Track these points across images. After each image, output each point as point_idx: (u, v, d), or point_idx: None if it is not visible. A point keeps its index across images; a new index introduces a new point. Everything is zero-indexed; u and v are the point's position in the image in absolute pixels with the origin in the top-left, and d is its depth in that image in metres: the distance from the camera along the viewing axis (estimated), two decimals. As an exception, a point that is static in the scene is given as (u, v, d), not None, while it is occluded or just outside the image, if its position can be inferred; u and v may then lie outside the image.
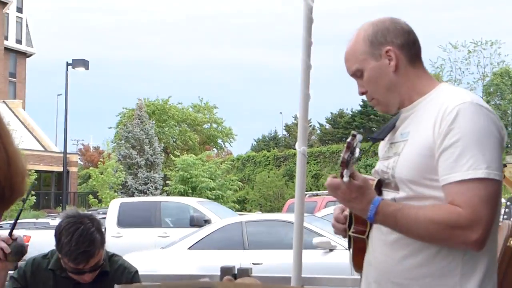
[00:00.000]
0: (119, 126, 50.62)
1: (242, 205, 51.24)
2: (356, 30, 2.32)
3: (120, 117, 54.23)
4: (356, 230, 2.27)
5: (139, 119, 44.26)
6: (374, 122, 58.24)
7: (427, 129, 2.11)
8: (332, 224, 2.41)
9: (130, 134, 43.64)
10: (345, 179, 2.01)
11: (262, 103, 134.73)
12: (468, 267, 2.09)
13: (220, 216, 14.05)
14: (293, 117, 67.29)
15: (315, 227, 9.77)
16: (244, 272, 3.30)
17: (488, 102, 51.96)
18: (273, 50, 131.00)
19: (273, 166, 55.99)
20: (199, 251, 9.92)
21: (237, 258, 9.64)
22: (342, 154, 1.99)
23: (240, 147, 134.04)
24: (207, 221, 13.59)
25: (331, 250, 9.36)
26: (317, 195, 19.55)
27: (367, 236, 2.26)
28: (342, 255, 9.28)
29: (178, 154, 43.55)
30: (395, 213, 2.07)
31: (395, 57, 2.23)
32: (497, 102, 51.85)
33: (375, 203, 2.07)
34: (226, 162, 46.67)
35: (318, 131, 65.21)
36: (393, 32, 2.25)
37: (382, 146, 2.37)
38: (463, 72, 54.46)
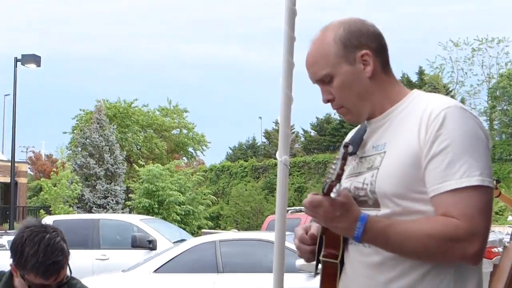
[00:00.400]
0: (75, 131, 50.37)
1: (215, 222, 51.22)
2: (321, 30, 2.36)
3: (77, 121, 54.03)
4: (327, 254, 2.28)
5: (98, 124, 44.10)
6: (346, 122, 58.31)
7: (410, 137, 2.16)
8: (296, 246, 2.44)
9: (87, 140, 43.49)
10: (333, 195, 2.02)
11: (239, 107, 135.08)
12: (459, 285, 2.13)
13: (167, 237, 14.18)
14: (273, 122, 67.50)
15: (298, 248, 9.77)
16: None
17: (494, 107, 52.49)
18: (252, 46, 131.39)
19: (251, 177, 56.06)
20: (166, 275, 9.88)
21: (210, 283, 9.63)
22: (334, 167, 2.01)
23: (213, 156, 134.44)
24: (151, 242, 13.72)
25: (316, 274, 9.34)
26: (300, 211, 19.61)
27: (340, 261, 2.28)
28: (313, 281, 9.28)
29: (142, 163, 43.34)
30: (385, 230, 2.08)
31: (372, 62, 2.28)
32: (504, 107, 52.19)
33: (362, 220, 2.07)
34: (197, 173, 46.55)
35: (302, 139, 65.41)
36: (366, 35, 2.30)
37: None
38: (466, 73, 54.71)
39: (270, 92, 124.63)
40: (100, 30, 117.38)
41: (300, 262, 9.32)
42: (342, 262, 2.30)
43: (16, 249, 3.06)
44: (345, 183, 2.32)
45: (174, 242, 13.49)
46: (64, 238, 3.11)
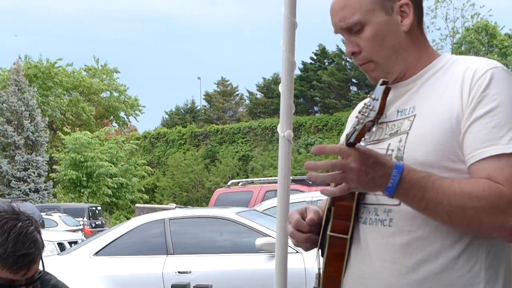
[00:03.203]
0: (-10, 94, 49.57)
1: (151, 195, 51.15)
2: None
3: (-9, 82, 53.20)
4: (336, 227, 2.19)
5: (16, 86, 43.56)
6: (317, 91, 58.85)
7: (449, 97, 2.12)
8: (290, 234, 2.33)
9: (4, 105, 42.93)
10: (363, 143, 1.96)
11: (175, 67, 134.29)
12: (491, 272, 2.12)
13: None
14: (215, 83, 67.46)
15: (258, 225, 9.77)
16: (202, 291, 3.21)
17: (458, 64, 53.29)
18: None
19: (190, 145, 56.05)
20: (108, 258, 9.77)
21: (159, 266, 9.57)
22: (370, 107, 1.95)
23: (147, 122, 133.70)
24: None
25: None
26: (252, 182, 19.58)
27: (350, 238, 2.21)
28: (292, 260, 9.32)
29: (68, 131, 43.08)
30: (425, 181, 2.03)
31: (411, 14, 2.22)
32: (470, 64, 53.03)
33: (398, 168, 2.02)
34: (130, 142, 46.41)
35: (247, 102, 65.50)
36: None
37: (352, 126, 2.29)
38: (428, 27, 55.66)
39: (208, 50, 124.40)
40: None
41: (261, 241, 9.33)
42: (350, 242, 2.21)
43: None
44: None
45: None
46: (38, 229, 3.00)
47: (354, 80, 56.13)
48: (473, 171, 2.07)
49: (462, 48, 53.30)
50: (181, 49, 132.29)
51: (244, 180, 21.03)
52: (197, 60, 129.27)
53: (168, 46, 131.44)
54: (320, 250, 2.28)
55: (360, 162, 1.98)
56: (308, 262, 9.20)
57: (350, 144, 1.98)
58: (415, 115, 2.17)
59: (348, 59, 56.60)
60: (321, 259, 2.27)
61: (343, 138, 2.34)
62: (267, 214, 11.14)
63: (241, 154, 54.10)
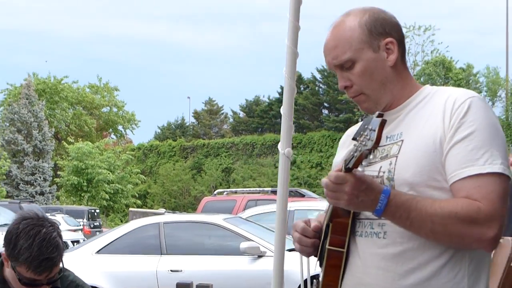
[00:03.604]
0: (3, 106, 49.35)
1: (143, 200, 50.89)
2: (343, 15, 2.29)
3: (5, 96, 52.85)
4: (333, 241, 2.20)
5: (27, 99, 43.28)
6: (294, 112, 58.78)
7: (432, 124, 2.14)
8: (296, 240, 2.34)
9: (16, 116, 42.61)
10: (361, 168, 1.96)
11: (168, 87, 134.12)
12: (473, 278, 2.14)
13: None
14: (203, 103, 67.44)
15: (242, 230, 9.75)
16: (204, 290, 3.17)
17: (418, 93, 53.53)
18: (179, 26, 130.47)
19: (179, 157, 55.84)
20: (108, 256, 9.73)
21: (153, 265, 9.54)
22: (368, 137, 1.92)
23: (142, 135, 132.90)
24: None
25: (260, 256, 9.35)
26: (235, 192, 19.52)
27: (346, 251, 2.21)
28: (272, 262, 9.29)
29: (71, 141, 42.82)
30: (409, 203, 2.05)
31: (396, 51, 2.25)
32: (428, 93, 53.31)
33: (385, 192, 2.04)
34: (127, 152, 46.16)
35: (231, 120, 65.38)
36: (390, 24, 2.27)
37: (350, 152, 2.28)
38: (392, 60, 55.81)
39: (198, 72, 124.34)
40: (25, 3, 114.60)
41: (245, 245, 9.31)
42: (347, 254, 2.22)
43: (10, 240, 2.94)
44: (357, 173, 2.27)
45: None
46: (60, 234, 3.01)
47: (325, 104, 56.13)
48: (454, 189, 2.09)
49: (422, 79, 53.57)
50: (173, 71, 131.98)
51: (228, 190, 21.00)
52: (187, 81, 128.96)
53: (162, 68, 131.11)
54: (318, 261, 2.29)
55: (353, 187, 2.01)
56: (287, 265, 9.17)
57: (348, 169, 1.98)
58: (402, 140, 2.18)
59: (321, 85, 56.75)
60: (319, 268, 2.29)
61: (337, 160, 2.37)
62: (250, 221, 11.15)
63: (224, 166, 53.95)
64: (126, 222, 35.46)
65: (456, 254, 2.12)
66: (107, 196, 41.34)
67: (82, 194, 40.57)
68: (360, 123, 2.38)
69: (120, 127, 58.69)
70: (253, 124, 60.50)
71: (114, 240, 9.90)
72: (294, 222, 2.39)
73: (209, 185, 51.08)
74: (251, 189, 21.75)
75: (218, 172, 52.64)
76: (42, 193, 42.09)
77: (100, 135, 54.18)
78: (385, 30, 2.24)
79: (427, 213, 2.03)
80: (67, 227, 26.02)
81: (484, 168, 2.06)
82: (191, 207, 49.95)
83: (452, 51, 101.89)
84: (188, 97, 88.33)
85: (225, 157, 54.65)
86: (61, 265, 3.01)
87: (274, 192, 18.15)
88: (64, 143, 43.15)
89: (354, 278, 2.21)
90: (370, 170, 2.16)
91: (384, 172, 2.16)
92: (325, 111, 56.98)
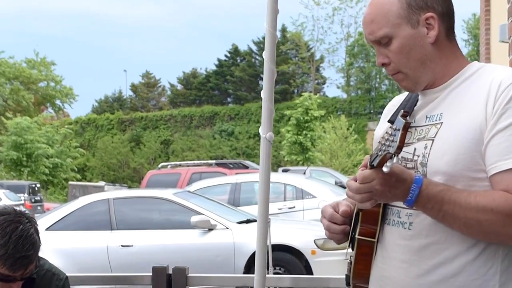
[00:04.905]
0: None
1: (82, 173, 50.27)
2: None
3: None
4: (364, 231, 2.08)
5: (-38, 75, 42.16)
6: (230, 84, 58.74)
7: (475, 108, 1.98)
8: (325, 226, 2.18)
9: (-49, 92, 41.48)
10: (385, 169, 1.80)
11: (104, 60, 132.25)
12: (506, 276, 1.98)
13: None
14: (140, 76, 66.66)
15: (192, 204, 9.70)
16: (181, 273, 3.12)
17: (351, 64, 53.94)
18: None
19: (117, 130, 55.29)
20: (58, 233, 9.57)
21: (104, 240, 9.43)
22: (391, 138, 1.81)
23: (79, 108, 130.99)
24: None
25: (210, 229, 9.32)
26: (179, 165, 19.37)
27: (377, 240, 2.09)
28: (222, 235, 9.29)
29: (10, 116, 42.00)
30: (442, 195, 1.91)
31: (436, 27, 2.07)
32: (361, 64, 53.81)
33: (417, 182, 1.91)
34: (65, 126, 45.48)
35: (169, 92, 64.93)
36: None
37: (384, 131, 2.12)
38: (326, 31, 56.34)
39: (133, 45, 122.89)
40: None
41: (195, 219, 9.27)
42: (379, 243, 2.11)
43: None
44: None
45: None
46: (37, 230, 2.92)
47: (262, 76, 56.19)
48: (493, 181, 1.94)
49: (355, 50, 53.97)
50: (109, 45, 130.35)
51: (173, 163, 20.79)
52: (123, 54, 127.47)
53: (99, 42, 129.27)
54: (350, 247, 2.17)
55: (382, 184, 1.89)
56: (237, 237, 9.19)
57: (373, 167, 1.88)
58: (442, 123, 2.03)
59: (257, 57, 56.71)
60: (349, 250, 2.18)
61: (377, 133, 2.24)
62: (199, 195, 11.11)
63: (163, 138, 53.65)
64: (66, 195, 35.17)
65: (487, 248, 1.97)
66: (46, 171, 40.69)
67: (22, 169, 39.84)
68: (406, 93, 2.25)
69: (58, 102, 57.71)
70: (191, 96, 60.21)
71: (64, 217, 9.73)
72: (322, 208, 2.22)
73: (148, 157, 50.76)
74: (196, 161, 21.66)
75: (157, 144, 52.34)
76: (-19, 169, 41.29)
77: (38, 110, 53.21)
78: (426, 4, 2.06)
79: (461, 207, 1.90)
80: (9, 202, 25.55)
81: None
82: (131, 179, 49.59)
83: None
84: (125, 70, 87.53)
85: (164, 129, 54.32)
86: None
87: (218, 165, 18.14)
88: (3, 118, 42.17)
89: (378, 269, 2.11)
90: (404, 151, 2.01)
91: (418, 156, 2.02)
92: (262, 83, 56.95)
